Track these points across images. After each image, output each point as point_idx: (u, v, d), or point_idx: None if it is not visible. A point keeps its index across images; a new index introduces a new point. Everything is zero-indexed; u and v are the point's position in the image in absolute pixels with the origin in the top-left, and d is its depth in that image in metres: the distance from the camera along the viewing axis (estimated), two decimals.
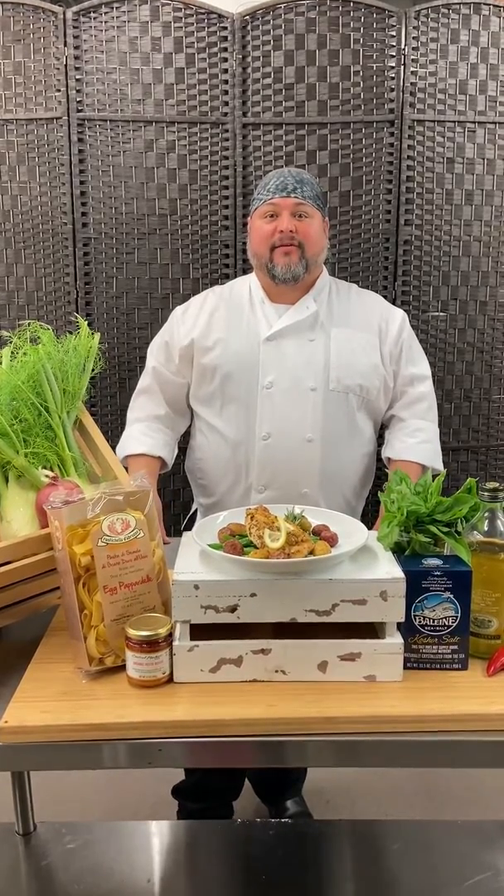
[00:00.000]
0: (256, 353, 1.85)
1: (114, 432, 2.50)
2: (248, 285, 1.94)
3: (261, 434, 1.85)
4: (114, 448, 1.47)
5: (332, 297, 1.93)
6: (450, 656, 1.19)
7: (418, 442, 1.91)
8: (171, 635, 1.16)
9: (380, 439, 2.03)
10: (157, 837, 1.80)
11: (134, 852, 1.75)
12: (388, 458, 1.94)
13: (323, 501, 1.84)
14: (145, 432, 1.95)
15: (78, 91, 2.35)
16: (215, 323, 1.90)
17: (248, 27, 2.33)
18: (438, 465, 1.93)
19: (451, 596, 1.17)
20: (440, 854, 1.72)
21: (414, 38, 2.34)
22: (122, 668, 1.17)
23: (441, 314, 2.51)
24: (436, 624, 1.18)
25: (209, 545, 1.21)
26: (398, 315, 1.95)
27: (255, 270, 1.93)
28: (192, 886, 1.70)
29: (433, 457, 1.93)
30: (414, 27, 2.34)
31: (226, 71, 2.35)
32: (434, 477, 1.30)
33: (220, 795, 2.06)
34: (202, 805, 2.06)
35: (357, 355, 1.86)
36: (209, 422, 1.91)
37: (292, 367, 1.84)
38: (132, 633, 1.14)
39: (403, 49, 2.35)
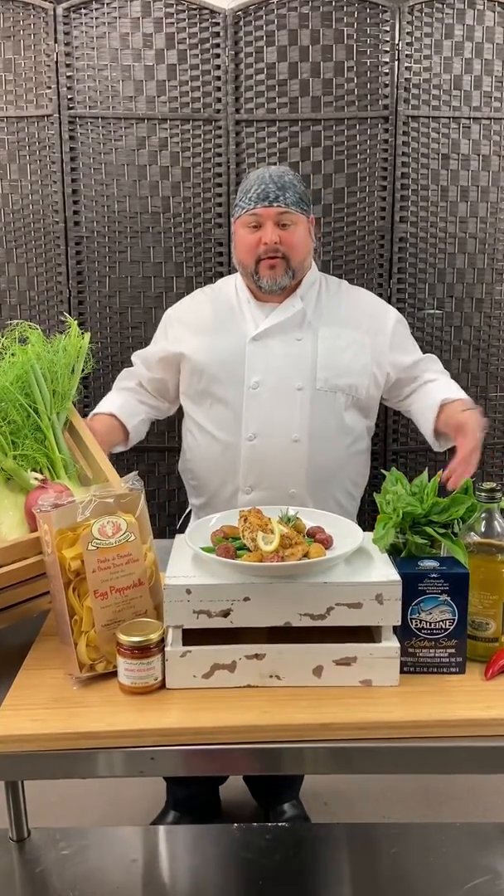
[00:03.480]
0: (243, 353, 1.84)
1: None
2: (233, 285, 1.93)
3: (246, 435, 1.83)
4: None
5: (322, 293, 1.91)
6: (447, 660, 1.18)
7: (456, 388, 1.91)
8: (163, 641, 1.14)
9: (374, 437, 2.01)
10: (152, 843, 1.78)
11: (129, 858, 1.73)
12: (441, 404, 1.86)
13: (311, 502, 1.82)
14: (108, 397, 1.98)
15: (69, 88, 2.33)
16: (204, 324, 1.90)
17: (241, 23, 2.31)
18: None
19: (448, 598, 1.16)
20: (439, 857, 1.70)
21: (408, 33, 2.32)
22: (114, 674, 1.16)
23: (437, 312, 2.49)
24: (433, 627, 1.17)
25: (202, 548, 1.20)
26: (392, 312, 1.95)
27: (240, 274, 1.91)
28: (188, 892, 1.68)
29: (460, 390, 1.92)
30: (408, 22, 2.31)
31: (218, 67, 2.33)
32: (415, 469, 1.29)
33: (206, 777, 2.05)
34: (187, 792, 2.05)
35: (345, 354, 1.85)
36: (198, 422, 1.91)
37: (279, 367, 1.83)
38: (123, 638, 1.12)
39: (397, 44, 2.32)
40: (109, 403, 1.95)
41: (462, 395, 1.88)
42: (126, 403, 1.96)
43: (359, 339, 1.87)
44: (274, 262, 1.79)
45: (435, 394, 1.89)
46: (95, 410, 1.94)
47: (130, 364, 2.05)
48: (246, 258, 1.83)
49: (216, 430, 1.87)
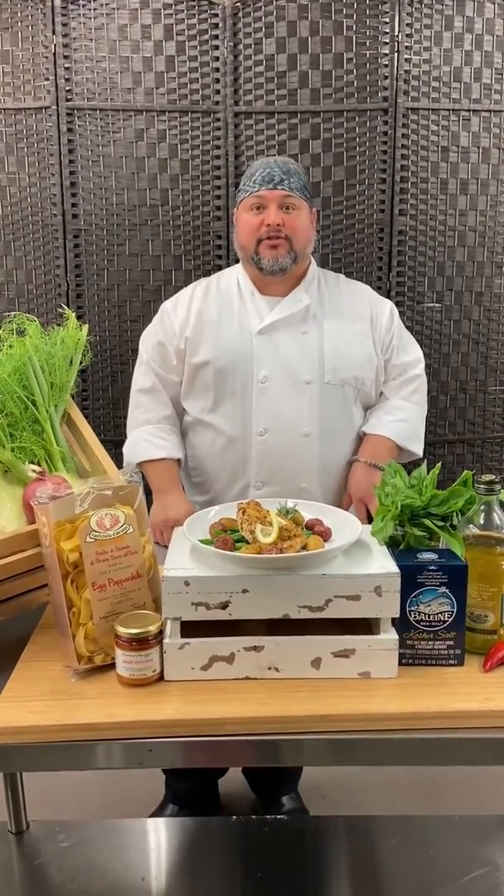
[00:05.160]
0: (249, 347, 1.83)
1: (106, 426, 2.48)
2: (235, 278, 1.92)
3: (257, 429, 1.82)
4: (104, 442, 1.44)
5: (322, 288, 1.91)
6: (445, 652, 1.18)
7: (394, 420, 1.89)
8: (161, 633, 1.14)
9: None
10: (151, 835, 1.79)
11: (128, 850, 1.74)
12: (364, 434, 1.91)
13: (322, 496, 1.82)
14: (158, 434, 1.90)
15: (67, 80, 2.32)
16: (206, 318, 1.87)
17: (240, 14, 2.29)
18: (414, 447, 1.91)
19: (447, 591, 1.15)
20: (438, 850, 1.70)
21: (408, 24, 2.31)
22: (112, 666, 1.15)
23: (436, 305, 2.49)
24: (431, 619, 1.16)
25: (200, 540, 1.19)
26: (387, 305, 1.95)
27: (241, 263, 1.91)
28: (187, 884, 1.68)
29: (408, 436, 1.89)
30: (408, 14, 2.30)
31: (217, 59, 2.32)
32: (416, 466, 1.29)
33: (205, 772, 2.05)
34: (186, 786, 2.05)
35: (351, 346, 1.85)
36: (201, 418, 1.88)
37: (287, 361, 1.82)
38: (122, 630, 1.12)
39: (397, 36, 2.31)
40: (152, 448, 1.89)
41: (388, 430, 1.88)
42: (165, 439, 1.90)
43: (363, 330, 1.87)
44: (276, 243, 1.78)
45: (370, 419, 1.92)
46: (145, 458, 1.88)
47: (128, 358, 2.03)
48: (247, 240, 1.82)
49: (223, 424, 1.85)
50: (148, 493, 1.81)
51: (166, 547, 1.27)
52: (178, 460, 1.91)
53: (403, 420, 1.90)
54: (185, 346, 1.86)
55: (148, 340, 1.94)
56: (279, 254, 1.78)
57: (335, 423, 1.85)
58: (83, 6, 2.28)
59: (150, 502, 1.87)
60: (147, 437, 1.90)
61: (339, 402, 1.85)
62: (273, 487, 1.82)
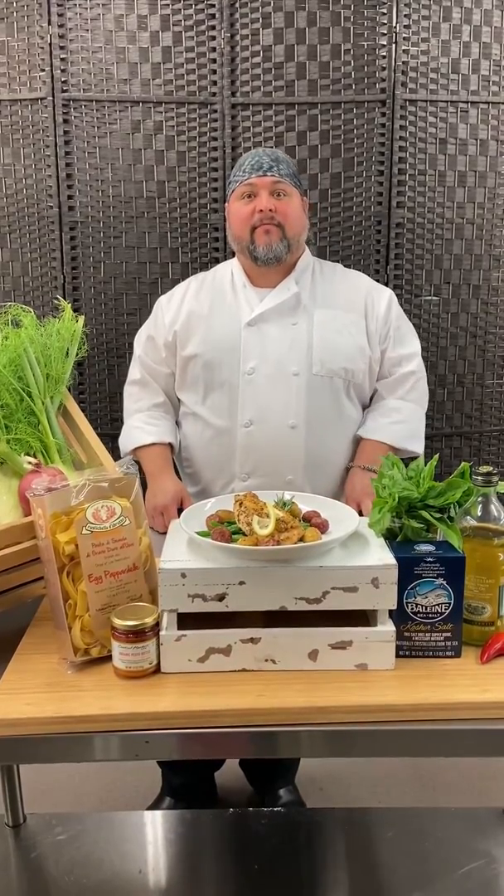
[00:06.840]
0: (238, 339, 1.83)
1: (103, 419, 2.47)
2: (230, 270, 1.92)
3: (243, 421, 1.82)
4: (100, 435, 1.43)
5: (316, 277, 1.91)
6: (443, 644, 1.17)
7: (390, 422, 1.88)
8: (157, 625, 1.13)
9: None
10: (148, 828, 1.79)
11: (125, 843, 1.74)
12: (360, 438, 1.91)
13: (309, 488, 1.81)
14: (148, 421, 1.93)
15: (63, 71, 2.30)
16: (196, 312, 1.88)
17: (237, 5, 2.28)
18: (413, 446, 1.89)
19: (444, 582, 1.15)
20: (434, 842, 1.70)
21: (405, 15, 2.30)
22: (108, 658, 1.15)
23: (434, 298, 2.48)
24: (428, 611, 1.16)
25: (197, 532, 1.19)
26: (385, 294, 1.93)
27: (236, 254, 1.90)
28: (184, 877, 1.68)
29: (406, 437, 1.88)
30: (405, 4, 2.29)
31: (214, 50, 2.30)
32: (413, 460, 1.28)
33: (202, 764, 2.05)
34: (183, 779, 2.05)
35: (342, 337, 1.84)
36: (193, 410, 1.90)
37: (274, 352, 1.82)
38: (118, 622, 1.11)
39: (395, 27, 2.30)
40: (143, 434, 1.91)
41: (384, 434, 1.87)
42: (155, 425, 1.92)
43: (355, 321, 1.86)
44: (269, 228, 1.78)
45: (366, 422, 1.91)
46: (136, 444, 1.90)
47: (125, 351, 2.04)
48: (240, 230, 1.82)
49: (211, 416, 1.86)
50: (145, 483, 1.81)
51: (160, 533, 1.26)
52: (170, 444, 1.91)
53: (400, 422, 1.88)
54: (174, 339, 1.88)
55: (141, 336, 1.99)
56: (272, 240, 1.78)
57: (323, 415, 1.84)
58: None
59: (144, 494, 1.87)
60: (137, 425, 1.93)
61: (328, 394, 1.84)
62: (259, 479, 1.83)
